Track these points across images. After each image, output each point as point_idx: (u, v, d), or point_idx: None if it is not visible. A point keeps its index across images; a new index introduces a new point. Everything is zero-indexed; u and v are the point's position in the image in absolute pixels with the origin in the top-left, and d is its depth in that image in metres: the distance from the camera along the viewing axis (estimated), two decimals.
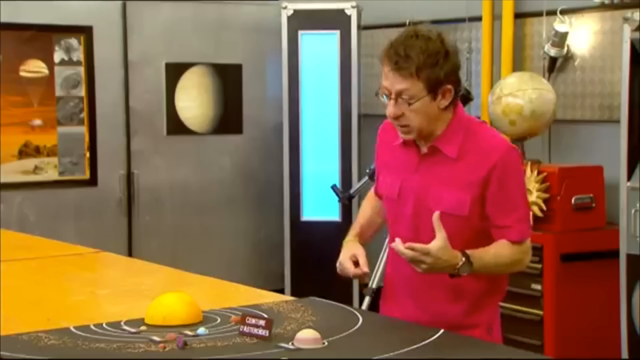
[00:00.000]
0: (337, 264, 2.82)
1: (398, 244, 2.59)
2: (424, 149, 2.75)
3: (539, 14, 5.43)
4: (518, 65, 5.58)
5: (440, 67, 2.62)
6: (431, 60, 2.61)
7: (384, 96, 2.69)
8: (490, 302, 2.82)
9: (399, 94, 2.64)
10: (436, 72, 2.62)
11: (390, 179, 2.83)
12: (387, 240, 2.98)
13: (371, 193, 3.05)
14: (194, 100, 6.47)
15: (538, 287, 4.82)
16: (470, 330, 2.69)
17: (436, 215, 2.59)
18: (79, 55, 6.10)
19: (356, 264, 2.79)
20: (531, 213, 4.85)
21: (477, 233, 2.72)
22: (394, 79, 2.63)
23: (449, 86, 2.66)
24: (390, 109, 2.66)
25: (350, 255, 2.80)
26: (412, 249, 2.57)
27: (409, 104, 2.64)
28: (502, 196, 2.68)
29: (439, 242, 2.57)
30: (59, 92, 6.06)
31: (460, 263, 2.60)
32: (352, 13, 6.14)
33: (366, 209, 3.03)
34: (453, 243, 2.61)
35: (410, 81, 2.61)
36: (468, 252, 2.62)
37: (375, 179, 3.02)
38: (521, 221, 2.73)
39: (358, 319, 2.56)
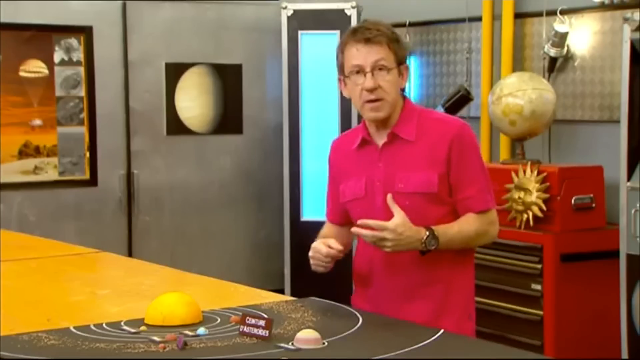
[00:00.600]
0: (310, 254, 2.84)
1: (356, 228, 2.71)
2: (383, 140, 2.84)
3: (539, 14, 5.43)
4: (518, 65, 5.58)
5: (401, 46, 2.82)
6: (395, 37, 2.81)
7: (343, 80, 2.87)
8: (463, 286, 2.88)
9: (374, 66, 2.77)
10: (400, 47, 2.81)
11: (352, 181, 2.90)
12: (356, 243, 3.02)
13: (326, 224, 3.08)
14: (194, 100, 6.47)
15: (538, 287, 4.82)
16: (449, 315, 2.78)
17: (389, 196, 2.72)
18: (79, 55, 6.10)
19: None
20: (531, 213, 4.86)
21: (449, 212, 2.81)
22: (369, 51, 2.77)
23: (407, 65, 2.85)
24: (368, 82, 2.77)
25: (321, 241, 2.83)
26: (368, 225, 2.68)
27: (388, 71, 2.77)
28: (462, 170, 2.80)
29: (396, 218, 2.68)
30: (59, 92, 6.05)
31: (425, 236, 2.70)
32: (352, 13, 6.14)
33: (328, 231, 3.05)
34: (426, 222, 2.72)
35: (385, 51, 2.78)
36: (432, 227, 2.72)
37: (329, 204, 3.06)
38: (482, 191, 2.83)
39: (358, 319, 2.56)
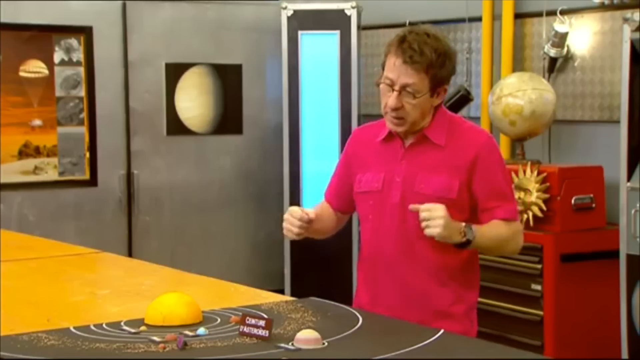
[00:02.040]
0: (285, 216, 2.82)
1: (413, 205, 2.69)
2: (410, 140, 2.84)
3: (539, 14, 5.43)
4: (518, 65, 5.58)
5: (445, 68, 2.76)
6: (440, 61, 2.74)
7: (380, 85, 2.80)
8: (469, 296, 2.89)
9: (403, 87, 2.74)
10: (442, 72, 2.75)
11: (370, 174, 2.89)
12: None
13: (322, 202, 3.09)
14: (194, 101, 6.47)
15: (538, 287, 4.82)
16: (454, 322, 2.78)
17: (412, 206, 2.70)
18: (78, 55, 6.09)
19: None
20: (531, 213, 4.86)
21: (465, 220, 2.79)
22: (404, 71, 2.73)
23: (446, 87, 2.80)
24: (392, 101, 2.75)
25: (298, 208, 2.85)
26: (418, 209, 2.67)
27: (414, 97, 2.73)
28: (489, 180, 2.80)
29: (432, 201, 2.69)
30: (58, 92, 6.05)
31: (463, 225, 2.70)
32: (352, 13, 6.14)
33: (321, 207, 3.05)
34: None
35: (419, 77, 2.73)
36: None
37: (332, 185, 3.06)
38: (508, 202, 2.83)
39: (358, 319, 2.56)
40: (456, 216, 2.76)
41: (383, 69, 2.82)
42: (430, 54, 2.71)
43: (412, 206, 2.71)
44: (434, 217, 2.66)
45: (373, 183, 2.86)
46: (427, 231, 2.67)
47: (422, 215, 2.68)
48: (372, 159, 2.90)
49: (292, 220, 2.80)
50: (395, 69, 2.74)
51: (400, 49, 2.73)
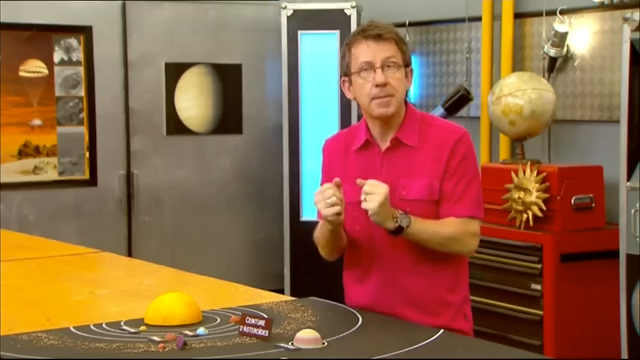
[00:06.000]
0: (316, 198, 2.71)
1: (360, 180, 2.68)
2: (386, 145, 2.82)
3: (538, 14, 5.43)
4: (518, 65, 5.58)
5: (407, 48, 2.82)
6: (402, 39, 2.81)
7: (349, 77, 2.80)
8: (459, 288, 2.87)
9: (385, 62, 2.75)
10: (407, 49, 2.81)
11: (350, 184, 2.80)
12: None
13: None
14: (194, 100, 6.47)
15: (538, 287, 4.82)
16: (445, 316, 2.76)
17: (358, 181, 2.67)
18: (78, 55, 6.10)
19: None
20: (530, 213, 4.86)
21: None
22: (380, 48, 2.75)
23: (412, 68, 2.83)
24: (379, 77, 2.74)
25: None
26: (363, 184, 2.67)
27: (398, 68, 2.75)
28: (455, 179, 2.76)
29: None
30: (58, 92, 6.06)
31: (399, 213, 2.65)
32: (352, 13, 6.14)
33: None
34: None
35: (394, 49, 2.77)
36: (408, 212, 2.68)
37: None
38: (470, 199, 2.78)
39: (358, 319, 2.56)
40: (439, 217, 2.76)
41: (347, 70, 2.80)
42: (393, 29, 2.79)
43: (358, 181, 2.68)
44: (374, 192, 2.63)
45: (356, 193, 2.77)
46: (364, 205, 2.64)
47: (365, 189, 2.65)
48: (352, 168, 2.86)
49: (325, 193, 2.68)
50: (370, 50, 2.74)
51: (367, 33, 2.76)
